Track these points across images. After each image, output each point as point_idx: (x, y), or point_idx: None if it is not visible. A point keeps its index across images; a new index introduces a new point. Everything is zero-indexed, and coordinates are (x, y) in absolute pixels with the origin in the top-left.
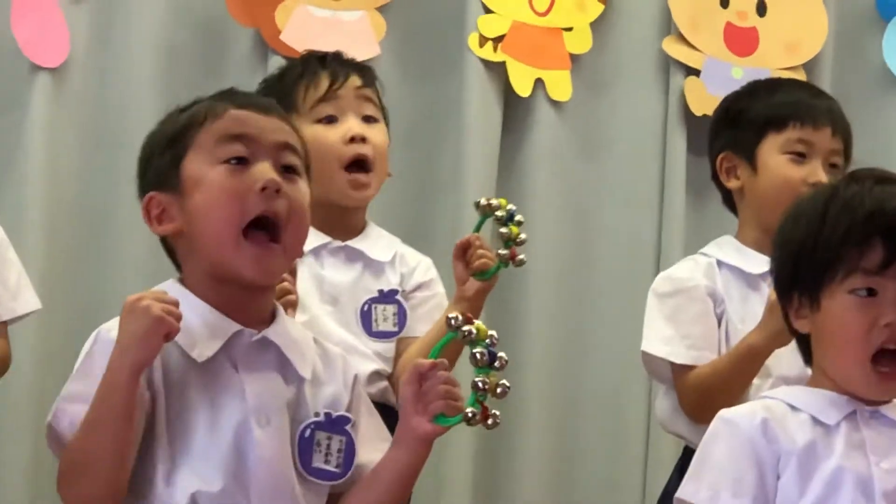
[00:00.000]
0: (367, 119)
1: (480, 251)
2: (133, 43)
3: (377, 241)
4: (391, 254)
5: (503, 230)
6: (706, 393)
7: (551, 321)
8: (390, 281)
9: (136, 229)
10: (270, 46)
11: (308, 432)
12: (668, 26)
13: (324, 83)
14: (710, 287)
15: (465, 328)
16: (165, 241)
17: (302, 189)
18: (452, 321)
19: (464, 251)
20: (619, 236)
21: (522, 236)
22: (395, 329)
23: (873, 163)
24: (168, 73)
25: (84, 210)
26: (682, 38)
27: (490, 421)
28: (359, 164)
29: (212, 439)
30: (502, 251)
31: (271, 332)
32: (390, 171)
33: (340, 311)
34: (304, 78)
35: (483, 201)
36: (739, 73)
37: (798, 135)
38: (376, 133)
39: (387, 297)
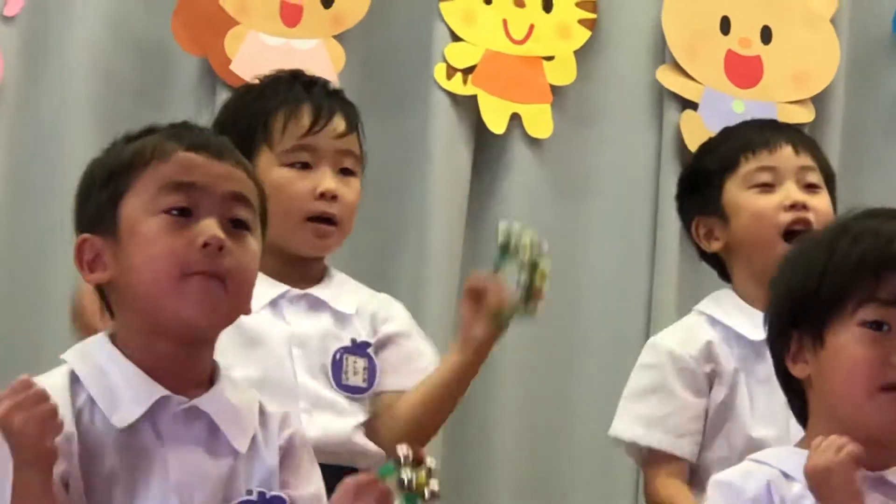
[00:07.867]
0: (344, 171)
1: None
2: (68, 68)
3: (341, 288)
4: (356, 304)
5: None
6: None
7: (528, 384)
8: (359, 332)
9: (70, 280)
10: (219, 76)
11: None
12: (662, 54)
13: (305, 119)
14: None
15: (403, 474)
16: (100, 288)
17: (250, 247)
18: (399, 455)
19: (477, 292)
20: (606, 290)
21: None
22: (364, 385)
23: (890, 203)
24: (105, 102)
25: (10, 260)
26: (678, 68)
27: None
28: (324, 219)
29: None
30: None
31: (204, 401)
32: None
33: (307, 356)
34: (286, 105)
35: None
36: (741, 106)
37: (754, 164)
38: (349, 190)
39: (359, 348)
